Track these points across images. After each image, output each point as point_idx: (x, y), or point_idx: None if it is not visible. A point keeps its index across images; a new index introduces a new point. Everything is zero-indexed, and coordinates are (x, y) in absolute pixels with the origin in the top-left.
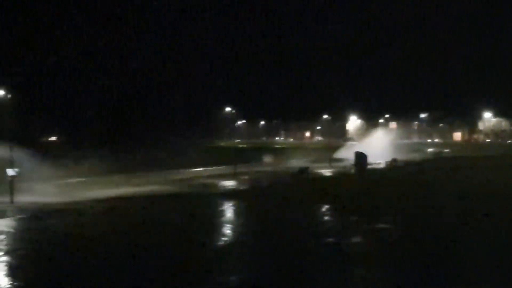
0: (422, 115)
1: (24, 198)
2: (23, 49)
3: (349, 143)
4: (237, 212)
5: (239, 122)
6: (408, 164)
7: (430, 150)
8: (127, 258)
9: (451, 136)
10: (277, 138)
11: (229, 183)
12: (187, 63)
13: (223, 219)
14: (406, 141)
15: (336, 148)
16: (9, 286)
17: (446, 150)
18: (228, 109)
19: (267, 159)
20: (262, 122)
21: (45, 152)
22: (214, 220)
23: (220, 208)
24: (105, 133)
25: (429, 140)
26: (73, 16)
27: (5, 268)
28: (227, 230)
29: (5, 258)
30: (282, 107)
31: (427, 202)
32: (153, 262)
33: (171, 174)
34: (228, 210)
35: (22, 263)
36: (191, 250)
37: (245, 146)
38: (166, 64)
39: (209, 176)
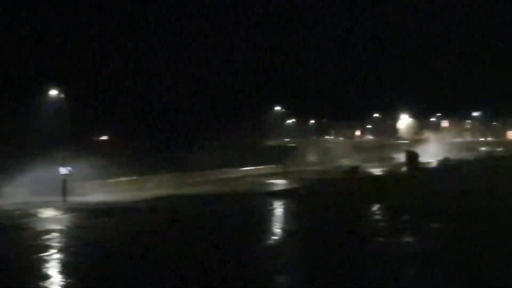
0: (475, 114)
1: (77, 197)
2: (77, 49)
3: (400, 141)
4: (288, 211)
5: (289, 121)
6: (460, 163)
7: (483, 148)
8: (188, 257)
9: (505, 135)
10: (326, 136)
11: (280, 182)
12: (236, 61)
13: (274, 217)
14: (458, 139)
15: (387, 146)
16: (62, 283)
17: (499, 149)
18: (277, 108)
19: (318, 157)
20: (312, 121)
21: (97, 151)
22: (265, 219)
23: (271, 207)
24: (156, 133)
25: (481, 139)
26: (123, 17)
27: (58, 265)
28: (278, 229)
29: (58, 256)
30: (332, 105)
31: (482, 202)
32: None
33: (221, 173)
34: (279, 209)
35: (74, 260)
36: (245, 247)
37: (294, 145)
38: (215, 64)
39: (259, 175)
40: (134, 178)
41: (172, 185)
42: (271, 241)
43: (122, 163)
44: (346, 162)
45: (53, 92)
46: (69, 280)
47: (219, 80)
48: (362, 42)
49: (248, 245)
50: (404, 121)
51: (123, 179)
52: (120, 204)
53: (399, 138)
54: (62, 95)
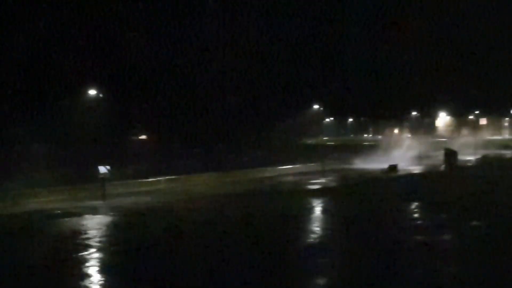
0: None
1: (116, 195)
2: (117, 48)
3: (439, 139)
4: (327, 210)
5: (327, 120)
6: (499, 160)
7: None
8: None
9: None
10: (365, 135)
11: (318, 181)
12: (275, 60)
13: (313, 216)
14: (496, 137)
15: (426, 144)
16: (101, 281)
17: None
18: (316, 106)
19: (356, 156)
20: (350, 119)
21: (136, 150)
22: (304, 218)
23: (310, 206)
24: (195, 132)
25: None
26: (156, 17)
27: (98, 264)
28: (317, 227)
29: (97, 255)
30: (370, 104)
31: None
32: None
33: (260, 172)
34: (318, 208)
35: (113, 259)
36: (283, 246)
37: (333, 143)
38: (254, 62)
39: (299, 173)
40: (174, 177)
41: (212, 184)
42: (310, 240)
43: (161, 162)
44: (385, 160)
45: (92, 92)
46: None
47: (258, 79)
48: (401, 41)
49: (287, 244)
50: (442, 119)
51: (162, 178)
52: (158, 204)
53: (437, 136)
54: (101, 95)
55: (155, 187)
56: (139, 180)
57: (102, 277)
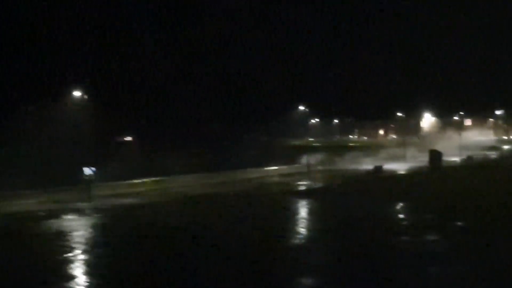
0: (498, 112)
1: (101, 196)
2: (100, 49)
3: (424, 140)
4: (311, 211)
5: (313, 121)
6: (484, 161)
7: (506, 147)
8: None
9: None
10: (350, 136)
11: (303, 182)
12: (260, 62)
13: (298, 217)
14: (481, 138)
15: (411, 146)
16: (86, 283)
17: None
18: (301, 107)
19: (342, 157)
20: (336, 121)
21: (120, 152)
22: (288, 219)
23: (295, 207)
24: (178, 133)
25: (505, 137)
26: (147, 17)
27: (83, 265)
28: (302, 228)
29: (83, 256)
30: (356, 105)
31: (505, 200)
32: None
33: (245, 173)
34: (302, 209)
35: (98, 260)
36: (268, 246)
37: (318, 144)
38: (239, 65)
39: (283, 175)
40: (159, 178)
41: (198, 185)
42: (295, 240)
43: (146, 164)
44: (370, 161)
45: (77, 94)
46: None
47: (243, 81)
48: (387, 42)
49: (272, 244)
50: (427, 120)
51: (147, 179)
52: (146, 204)
53: (422, 137)
54: (86, 96)
55: (140, 189)
56: (125, 182)
57: (87, 278)
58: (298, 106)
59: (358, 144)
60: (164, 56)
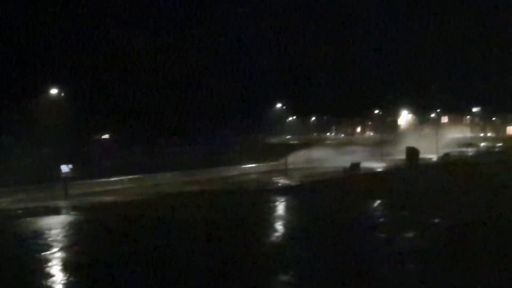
0: (475, 109)
1: (78, 195)
2: (78, 48)
3: (401, 138)
4: (289, 208)
5: (290, 118)
6: (460, 158)
7: (483, 144)
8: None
9: (504, 130)
10: (328, 133)
11: (281, 180)
12: (237, 59)
13: (275, 215)
14: (458, 135)
15: (388, 143)
16: (63, 281)
17: (499, 144)
18: (279, 105)
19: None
20: (313, 118)
21: (98, 150)
22: (265, 216)
23: (272, 204)
24: (156, 130)
25: (481, 134)
26: (128, 15)
27: (60, 263)
28: (279, 226)
29: (59, 254)
30: (333, 102)
31: (482, 196)
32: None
33: (222, 171)
34: (280, 207)
35: (76, 258)
36: (247, 245)
37: (296, 142)
38: (216, 61)
39: (261, 172)
40: (136, 176)
41: (174, 183)
42: (272, 238)
43: (123, 161)
44: (347, 158)
45: (54, 91)
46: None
47: (220, 77)
48: (363, 39)
49: (251, 242)
50: (404, 117)
51: (124, 177)
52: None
53: (400, 134)
54: (63, 94)
55: (118, 187)
56: (102, 180)
57: (64, 276)
58: (275, 104)
59: (335, 142)
60: (147, 54)
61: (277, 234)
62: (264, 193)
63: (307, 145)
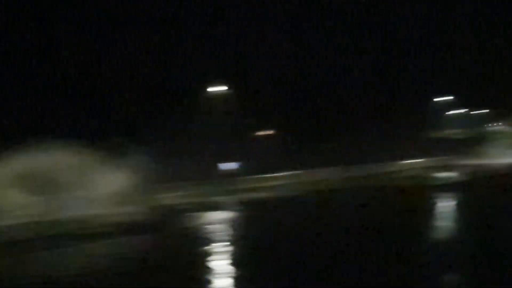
0: None
1: (245, 191)
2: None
3: None
4: (458, 205)
5: (457, 111)
6: None
7: None
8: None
9: None
10: (495, 126)
11: (446, 175)
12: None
13: (445, 212)
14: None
15: None
16: (234, 274)
17: None
18: (445, 98)
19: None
20: (481, 111)
21: (260, 146)
22: (432, 213)
23: (443, 201)
24: (314, 125)
25: None
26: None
27: (230, 257)
28: (445, 222)
29: (225, 249)
30: (504, 94)
31: None
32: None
33: (382, 167)
34: (451, 203)
35: (242, 253)
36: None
37: (460, 136)
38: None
39: (424, 168)
40: (297, 172)
41: (336, 179)
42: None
43: (286, 158)
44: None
45: (222, 88)
46: None
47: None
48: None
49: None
50: None
51: (286, 173)
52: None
53: None
54: (231, 91)
55: (280, 182)
56: (265, 175)
57: (232, 270)
58: (442, 96)
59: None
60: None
61: (440, 231)
62: (432, 189)
63: (472, 139)
